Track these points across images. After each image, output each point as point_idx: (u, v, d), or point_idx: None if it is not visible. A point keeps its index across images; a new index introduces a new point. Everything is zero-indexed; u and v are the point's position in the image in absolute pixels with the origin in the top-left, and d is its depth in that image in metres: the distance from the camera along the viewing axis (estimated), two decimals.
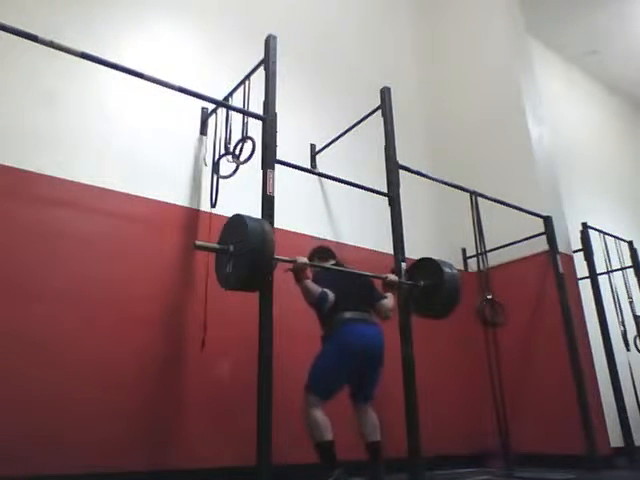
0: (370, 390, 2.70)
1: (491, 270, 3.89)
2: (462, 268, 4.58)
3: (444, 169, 4.66)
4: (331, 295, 2.64)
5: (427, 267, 3.17)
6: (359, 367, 2.62)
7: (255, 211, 2.60)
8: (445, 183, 3.84)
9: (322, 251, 3.00)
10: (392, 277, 2.97)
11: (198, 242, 2.49)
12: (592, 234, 4.90)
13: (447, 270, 3.08)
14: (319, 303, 2.63)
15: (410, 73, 5.49)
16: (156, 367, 2.88)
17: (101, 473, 2.51)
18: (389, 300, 2.86)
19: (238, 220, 2.47)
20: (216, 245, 2.53)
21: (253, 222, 2.40)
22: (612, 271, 5.01)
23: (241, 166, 3.09)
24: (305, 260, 2.67)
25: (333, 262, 2.93)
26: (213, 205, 3.30)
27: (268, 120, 2.83)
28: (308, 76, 4.42)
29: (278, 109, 2.89)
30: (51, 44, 2.32)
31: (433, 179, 3.79)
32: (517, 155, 4.65)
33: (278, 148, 2.81)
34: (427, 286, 3.08)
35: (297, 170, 3.20)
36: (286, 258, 2.59)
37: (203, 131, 3.56)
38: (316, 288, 2.64)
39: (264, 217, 2.58)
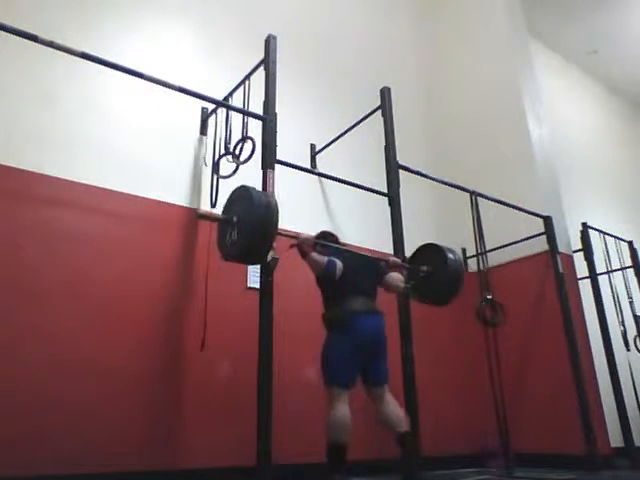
0: (381, 368, 2.69)
1: (491, 270, 3.89)
2: None
3: (444, 169, 4.66)
4: (339, 263, 2.64)
5: (430, 252, 3.15)
6: (367, 353, 2.63)
7: None
8: (445, 183, 3.84)
9: (325, 236, 2.96)
10: (394, 259, 2.97)
11: (200, 211, 2.47)
12: (592, 234, 4.89)
13: (450, 256, 3.07)
14: (328, 271, 2.63)
15: (410, 73, 5.49)
16: (156, 367, 2.88)
17: (101, 473, 2.51)
18: (397, 273, 2.87)
19: (243, 191, 2.48)
20: (220, 215, 2.53)
21: (258, 193, 2.41)
22: (612, 271, 5.01)
23: (241, 166, 3.09)
24: (308, 235, 2.69)
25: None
26: (213, 205, 3.30)
27: (268, 120, 2.84)
28: (308, 76, 4.42)
29: (278, 109, 2.89)
30: (51, 44, 2.32)
31: (433, 179, 3.79)
32: (517, 155, 4.64)
33: (278, 148, 2.81)
34: (430, 271, 3.07)
35: (297, 170, 3.20)
36: (289, 233, 2.59)
37: (203, 131, 3.56)
38: (322, 257, 2.65)
39: None
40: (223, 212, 2.56)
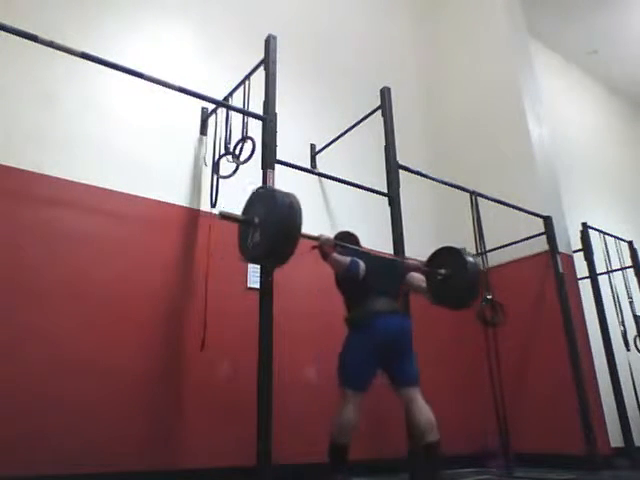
0: (406, 369, 2.62)
1: (491, 270, 3.89)
2: None
3: (444, 169, 4.66)
4: (362, 263, 2.63)
5: (448, 256, 3.14)
6: (389, 353, 2.58)
7: None
8: (445, 183, 3.84)
9: (344, 236, 2.94)
10: (413, 261, 2.97)
11: (222, 211, 2.41)
12: (592, 234, 4.89)
13: (470, 259, 3.06)
14: (351, 271, 2.61)
15: (410, 73, 5.49)
16: (156, 367, 2.88)
17: (100, 473, 2.51)
18: (419, 274, 2.87)
19: (264, 192, 2.45)
20: (241, 216, 2.49)
21: (280, 193, 2.37)
22: (612, 271, 5.01)
23: (241, 166, 3.09)
24: (330, 237, 2.69)
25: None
26: (213, 205, 3.30)
27: (268, 120, 2.83)
28: (308, 76, 4.42)
29: (278, 109, 2.89)
30: (51, 44, 2.32)
31: (433, 179, 3.79)
32: (517, 155, 4.64)
33: (278, 148, 2.81)
34: (448, 274, 3.06)
35: (297, 170, 3.20)
36: (311, 234, 2.58)
37: (203, 131, 3.56)
38: (345, 258, 2.64)
39: None
40: (242, 213, 2.51)
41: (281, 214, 2.28)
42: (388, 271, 2.82)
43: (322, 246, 2.64)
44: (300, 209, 2.31)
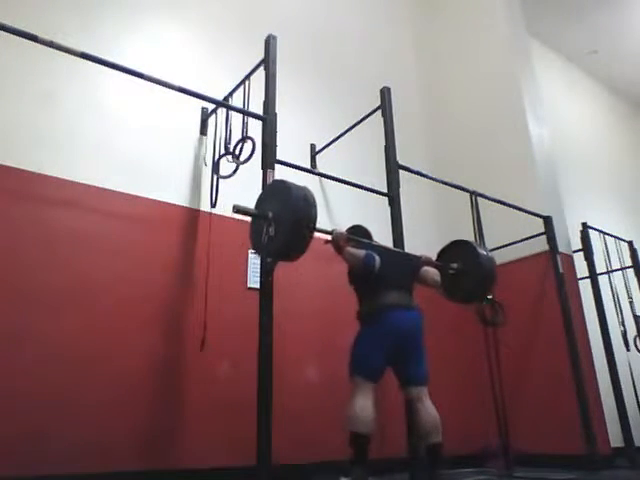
0: (414, 367, 2.61)
1: None
2: None
3: (444, 169, 4.66)
4: (377, 257, 2.60)
5: (459, 250, 3.13)
6: (399, 348, 2.57)
7: None
8: (445, 183, 3.84)
9: (357, 230, 2.92)
10: (427, 256, 2.94)
11: (237, 205, 2.37)
12: (592, 234, 4.89)
13: (482, 252, 3.05)
14: (366, 264, 2.58)
15: (410, 73, 5.50)
16: (156, 367, 2.88)
17: (100, 473, 2.51)
18: (433, 268, 2.85)
19: (278, 186, 2.43)
20: (255, 210, 2.47)
21: (295, 186, 2.35)
22: (612, 271, 5.00)
23: (241, 166, 3.09)
24: (343, 231, 2.69)
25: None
26: (213, 205, 3.30)
27: (268, 120, 2.84)
28: (308, 76, 4.42)
29: (278, 109, 2.89)
30: (51, 44, 2.32)
31: (433, 179, 3.79)
32: (517, 155, 4.64)
33: (278, 148, 2.81)
34: (461, 268, 3.04)
35: (297, 170, 3.20)
36: (324, 228, 2.57)
37: (203, 131, 3.56)
38: (360, 251, 2.61)
39: None
40: (255, 209, 2.49)
41: (296, 206, 2.26)
42: (402, 265, 2.79)
43: (335, 240, 2.63)
44: (315, 201, 2.30)
